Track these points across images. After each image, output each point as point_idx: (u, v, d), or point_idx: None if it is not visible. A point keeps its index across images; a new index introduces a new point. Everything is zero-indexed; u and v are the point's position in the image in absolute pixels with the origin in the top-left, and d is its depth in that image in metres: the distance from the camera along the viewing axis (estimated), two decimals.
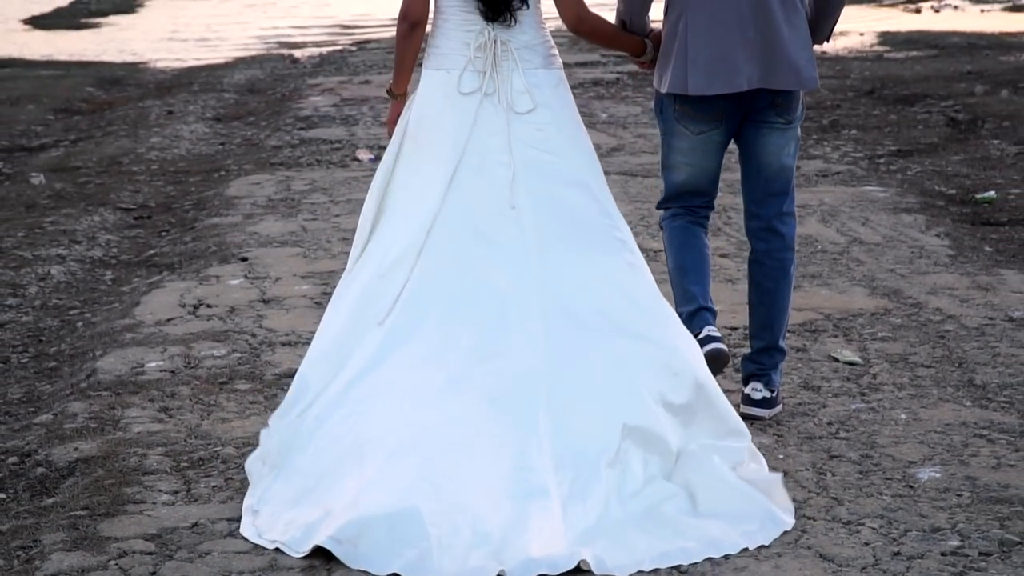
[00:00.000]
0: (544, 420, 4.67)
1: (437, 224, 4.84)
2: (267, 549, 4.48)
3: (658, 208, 5.73)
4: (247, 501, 4.77)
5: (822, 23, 5.55)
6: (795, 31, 5.36)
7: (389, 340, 4.82)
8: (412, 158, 4.95)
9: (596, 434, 4.70)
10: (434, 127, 4.92)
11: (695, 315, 5.45)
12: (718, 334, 5.45)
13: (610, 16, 5.55)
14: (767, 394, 5.54)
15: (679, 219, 5.60)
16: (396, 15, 5.07)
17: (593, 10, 5.24)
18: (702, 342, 5.22)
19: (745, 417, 5.30)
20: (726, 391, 5.11)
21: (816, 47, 5.57)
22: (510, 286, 4.80)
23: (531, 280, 4.80)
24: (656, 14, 5.50)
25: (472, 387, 4.72)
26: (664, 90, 5.41)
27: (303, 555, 4.45)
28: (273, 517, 4.65)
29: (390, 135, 5.10)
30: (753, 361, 5.58)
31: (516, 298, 4.78)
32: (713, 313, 5.52)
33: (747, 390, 5.56)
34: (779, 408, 5.61)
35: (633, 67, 5.72)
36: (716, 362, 5.25)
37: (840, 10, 5.60)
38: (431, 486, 4.51)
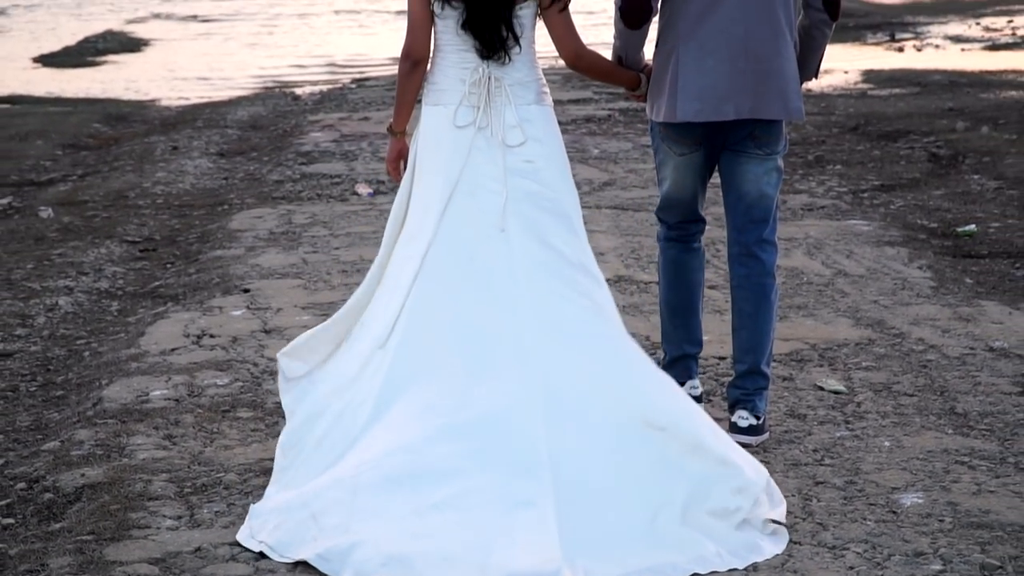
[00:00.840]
0: (540, 433, 4.71)
1: (432, 249, 4.96)
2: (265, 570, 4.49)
3: (656, 215, 5.83)
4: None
5: (808, 58, 5.63)
6: (785, 62, 5.45)
7: (393, 364, 4.91)
8: (417, 189, 5.09)
9: (590, 448, 4.74)
10: (432, 158, 5.05)
11: (677, 362, 5.72)
12: (698, 390, 5.75)
13: (605, 52, 5.63)
14: (753, 421, 5.56)
15: (672, 248, 5.74)
16: (393, 54, 5.19)
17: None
18: None
19: None
20: (715, 419, 5.12)
21: (803, 83, 5.64)
22: (501, 305, 4.90)
23: (520, 299, 4.90)
24: (648, 47, 5.59)
25: (469, 410, 4.77)
26: (656, 119, 5.53)
27: (288, 561, 4.53)
28: (263, 519, 4.75)
29: (390, 172, 5.24)
30: (737, 387, 5.62)
31: (508, 316, 4.89)
32: (695, 358, 5.77)
33: (734, 418, 5.58)
34: (766, 436, 5.62)
35: (625, 104, 5.88)
36: None
37: (824, 46, 5.66)
38: (423, 523, 4.56)
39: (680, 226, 5.73)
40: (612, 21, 5.55)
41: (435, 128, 5.06)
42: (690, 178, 5.61)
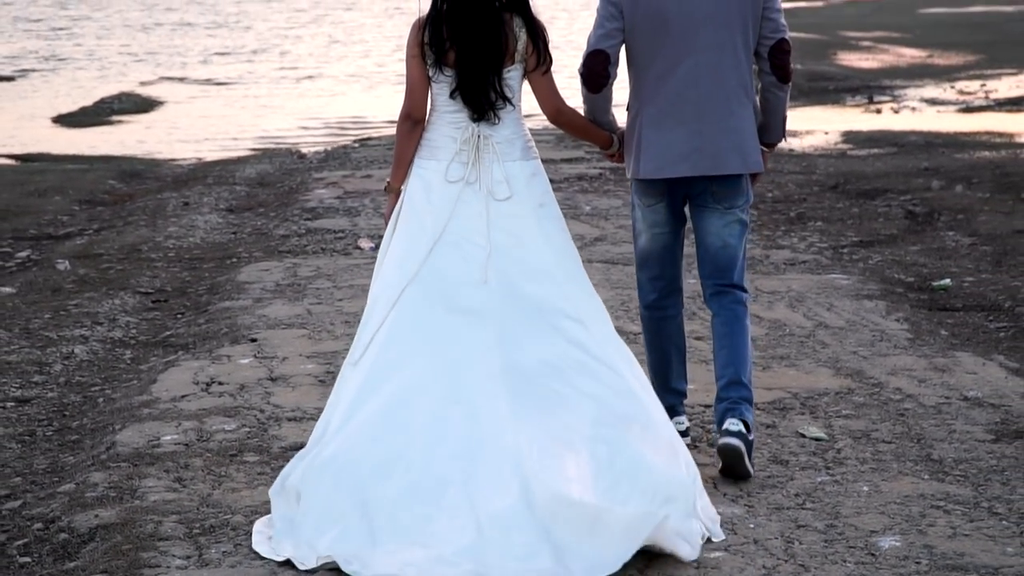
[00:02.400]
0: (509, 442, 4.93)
1: (411, 286, 5.17)
2: None
3: (637, 286, 6.03)
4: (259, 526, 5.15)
5: (769, 120, 5.82)
6: (740, 121, 5.67)
7: (366, 381, 5.12)
8: (403, 242, 5.28)
9: (554, 457, 4.93)
10: (421, 208, 5.28)
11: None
12: (684, 425, 5.92)
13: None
14: (741, 428, 5.61)
15: (650, 315, 5.97)
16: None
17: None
18: None
19: (724, 451, 5.54)
20: (700, 464, 5.12)
21: (780, 144, 5.77)
22: (474, 345, 5.08)
23: (492, 344, 5.08)
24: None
25: (444, 433, 4.96)
26: (628, 175, 5.83)
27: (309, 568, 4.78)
28: (279, 541, 4.98)
29: (387, 226, 5.41)
30: (722, 399, 5.71)
31: (479, 356, 5.07)
32: (680, 403, 5.96)
33: (723, 427, 5.64)
34: (751, 464, 5.63)
35: (612, 163, 6.08)
36: None
37: (782, 108, 5.83)
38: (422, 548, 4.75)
39: (656, 292, 5.93)
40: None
41: (427, 181, 5.29)
42: (659, 230, 5.84)
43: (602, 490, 4.87)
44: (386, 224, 5.41)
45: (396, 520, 4.81)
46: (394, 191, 5.43)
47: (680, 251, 5.95)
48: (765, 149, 5.82)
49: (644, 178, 5.71)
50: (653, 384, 5.77)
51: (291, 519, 5.03)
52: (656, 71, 5.62)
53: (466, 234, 5.20)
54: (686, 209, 5.87)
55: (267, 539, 5.04)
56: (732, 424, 5.61)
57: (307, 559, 4.84)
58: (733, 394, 5.67)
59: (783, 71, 5.69)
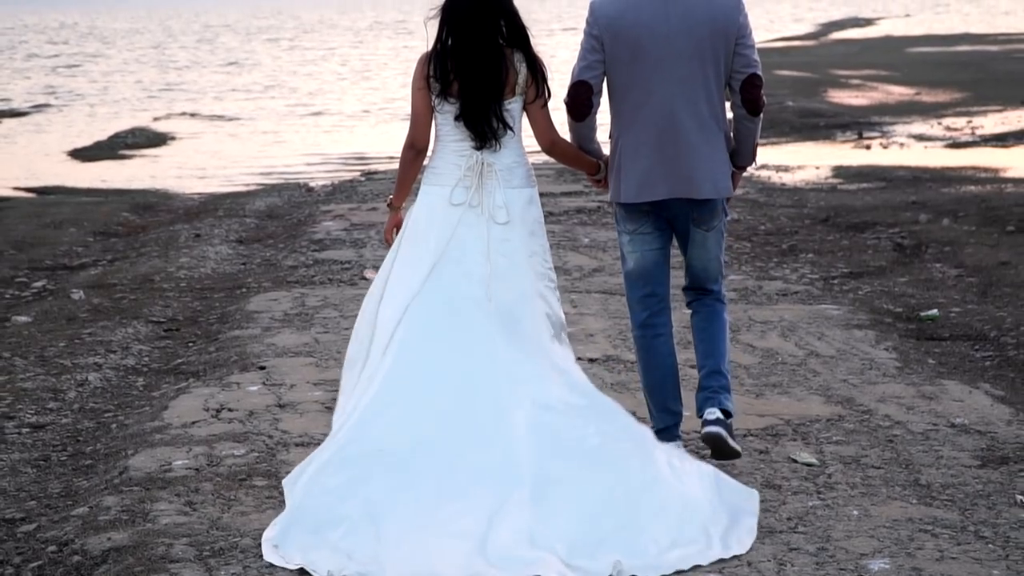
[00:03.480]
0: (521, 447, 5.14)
1: (414, 302, 5.39)
2: None
3: (628, 308, 6.20)
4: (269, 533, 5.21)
5: (741, 147, 6.00)
6: (713, 150, 5.86)
7: (374, 399, 5.31)
8: (405, 254, 5.51)
9: (562, 462, 5.17)
10: (426, 230, 5.49)
11: (660, 432, 5.91)
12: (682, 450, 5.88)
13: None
14: (719, 415, 5.85)
15: (642, 334, 6.09)
16: (398, 149, 5.41)
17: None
18: None
19: (708, 438, 5.79)
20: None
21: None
22: (479, 356, 5.33)
23: (497, 352, 5.33)
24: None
25: (452, 444, 5.15)
26: (610, 199, 6.01)
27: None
28: (288, 552, 5.04)
29: (385, 239, 5.69)
30: (703, 388, 5.95)
31: (484, 366, 5.31)
32: (677, 425, 6.05)
33: (703, 416, 5.89)
34: (736, 444, 5.86)
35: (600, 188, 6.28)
36: None
37: (753, 136, 6.01)
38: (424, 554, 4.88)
39: (646, 309, 6.06)
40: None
41: (431, 204, 5.50)
42: (645, 249, 6.01)
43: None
44: (385, 238, 5.70)
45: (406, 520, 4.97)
46: (395, 209, 5.71)
47: (667, 268, 6.09)
48: (736, 171, 6.03)
49: (626, 202, 5.89)
50: (650, 407, 6.00)
51: (298, 520, 5.11)
52: (634, 101, 5.83)
53: (468, 253, 5.43)
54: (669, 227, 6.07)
55: (274, 548, 5.06)
56: (710, 413, 5.86)
57: (318, 565, 4.87)
58: (713, 383, 5.92)
59: (753, 104, 5.86)
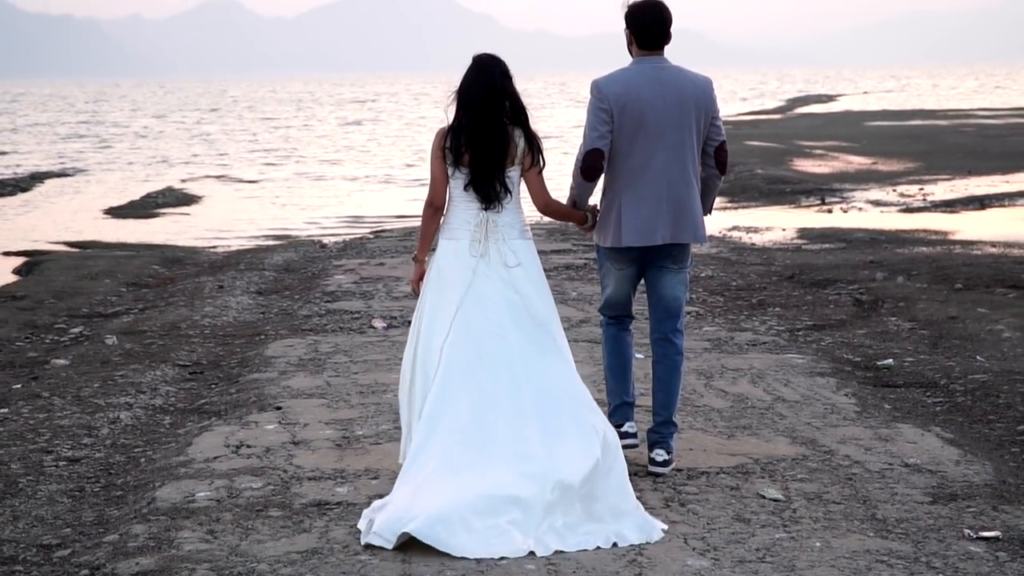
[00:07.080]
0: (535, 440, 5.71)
1: (446, 346, 5.83)
2: None
3: (600, 311, 6.78)
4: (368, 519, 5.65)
5: (706, 199, 6.58)
6: (694, 203, 6.43)
7: (428, 424, 5.71)
8: (433, 302, 5.95)
9: (567, 454, 5.72)
10: (447, 278, 5.94)
11: (618, 408, 6.61)
12: (634, 430, 6.59)
13: (560, 196, 6.44)
14: (666, 456, 6.47)
15: (611, 328, 6.67)
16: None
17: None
18: (621, 435, 6.36)
19: (651, 474, 6.37)
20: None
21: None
22: (505, 383, 5.80)
23: (519, 378, 5.82)
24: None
25: (493, 462, 5.63)
26: (604, 245, 6.50)
27: (394, 546, 5.31)
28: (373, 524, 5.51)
29: (413, 289, 6.17)
30: (655, 431, 6.53)
31: (510, 390, 5.78)
32: (631, 405, 6.63)
33: (652, 455, 6.47)
34: (673, 464, 6.47)
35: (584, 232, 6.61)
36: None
37: (716, 191, 6.63)
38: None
39: (617, 319, 6.67)
40: (572, 175, 6.45)
41: (449, 256, 5.97)
42: (624, 285, 6.59)
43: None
44: (412, 288, 6.16)
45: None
46: (419, 262, 6.13)
47: (633, 295, 6.65)
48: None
49: (625, 246, 6.38)
50: (610, 396, 6.64)
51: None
52: (635, 162, 6.34)
53: (485, 296, 5.88)
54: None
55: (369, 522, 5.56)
56: (658, 455, 6.47)
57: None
58: (664, 431, 6.51)
59: (723, 165, 6.52)
